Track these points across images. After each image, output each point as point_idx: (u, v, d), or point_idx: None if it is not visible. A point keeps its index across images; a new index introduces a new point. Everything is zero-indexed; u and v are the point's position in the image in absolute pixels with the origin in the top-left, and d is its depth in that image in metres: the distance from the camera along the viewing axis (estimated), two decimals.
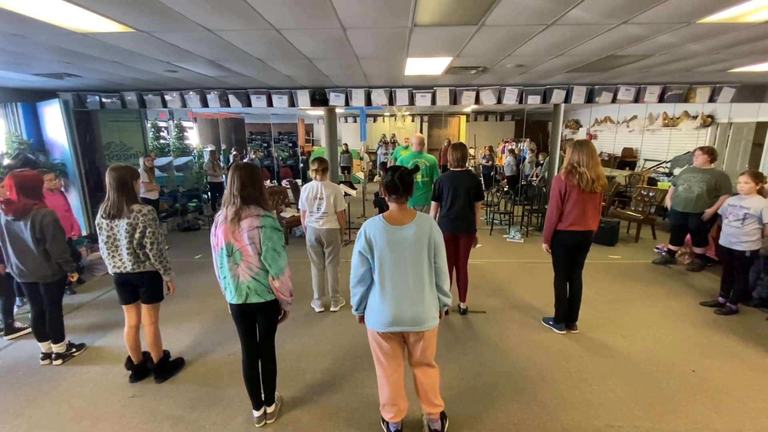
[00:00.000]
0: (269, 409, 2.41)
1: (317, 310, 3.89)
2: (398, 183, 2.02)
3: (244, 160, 10.62)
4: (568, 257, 3.34)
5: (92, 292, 4.49)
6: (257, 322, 2.33)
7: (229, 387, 2.63)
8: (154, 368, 2.86)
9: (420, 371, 2.20)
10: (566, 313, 3.43)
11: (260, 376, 2.39)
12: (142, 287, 2.71)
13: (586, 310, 3.68)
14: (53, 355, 3.08)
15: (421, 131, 15.59)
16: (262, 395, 2.41)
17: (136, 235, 2.53)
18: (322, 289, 3.90)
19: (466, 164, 3.62)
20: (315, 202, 3.61)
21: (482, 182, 4.06)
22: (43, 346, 3.09)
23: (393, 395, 2.17)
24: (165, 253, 2.68)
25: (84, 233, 5.71)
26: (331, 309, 3.91)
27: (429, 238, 2.02)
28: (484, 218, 7.34)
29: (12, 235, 2.85)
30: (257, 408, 2.39)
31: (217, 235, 2.17)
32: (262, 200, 2.18)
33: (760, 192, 3.59)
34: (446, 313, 2.23)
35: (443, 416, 2.29)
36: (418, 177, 4.50)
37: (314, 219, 3.65)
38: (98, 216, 2.58)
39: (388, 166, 2.17)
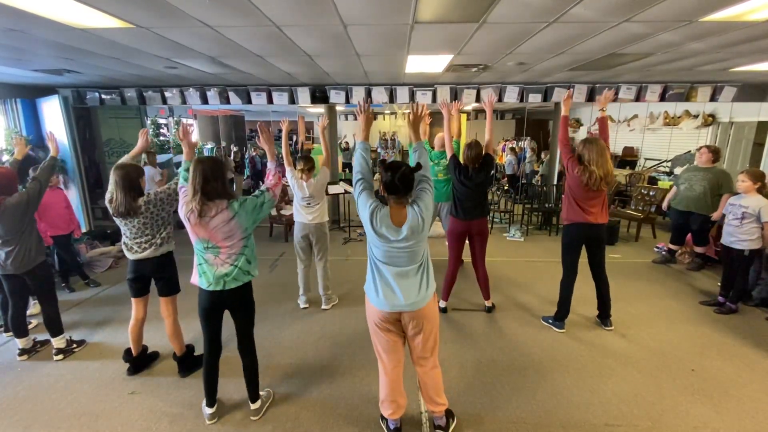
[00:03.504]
0: (254, 406, 2.43)
1: (302, 306, 3.91)
2: (399, 184, 1.93)
3: (240, 156, 10.61)
4: (579, 253, 3.33)
5: (91, 289, 4.48)
6: (235, 318, 2.33)
7: (226, 384, 2.62)
8: (177, 361, 2.87)
9: (422, 369, 2.18)
10: (601, 310, 3.49)
11: (244, 374, 2.42)
12: (158, 277, 2.71)
13: (585, 308, 3.68)
14: (54, 351, 3.07)
15: None
16: (249, 393, 2.44)
17: (165, 211, 2.61)
18: (308, 285, 3.93)
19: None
20: (305, 200, 3.64)
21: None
22: (21, 342, 3.08)
23: (392, 391, 2.16)
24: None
25: (83, 230, 5.70)
26: (322, 307, 3.88)
27: (423, 228, 1.96)
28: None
29: None
30: (210, 405, 2.40)
31: (190, 232, 2.15)
32: (225, 193, 2.14)
33: (762, 191, 3.57)
34: None
35: (450, 414, 2.28)
36: (440, 176, 4.55)
37: (304, 213, 3.66)
38: (111, 213, 2.58)
39: (387, 162, 2.04)
